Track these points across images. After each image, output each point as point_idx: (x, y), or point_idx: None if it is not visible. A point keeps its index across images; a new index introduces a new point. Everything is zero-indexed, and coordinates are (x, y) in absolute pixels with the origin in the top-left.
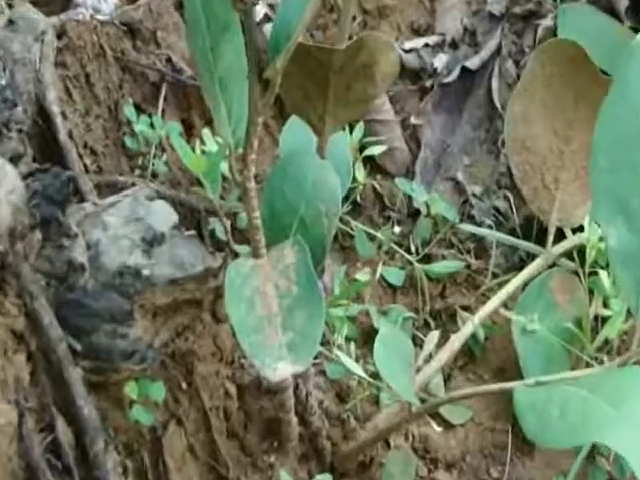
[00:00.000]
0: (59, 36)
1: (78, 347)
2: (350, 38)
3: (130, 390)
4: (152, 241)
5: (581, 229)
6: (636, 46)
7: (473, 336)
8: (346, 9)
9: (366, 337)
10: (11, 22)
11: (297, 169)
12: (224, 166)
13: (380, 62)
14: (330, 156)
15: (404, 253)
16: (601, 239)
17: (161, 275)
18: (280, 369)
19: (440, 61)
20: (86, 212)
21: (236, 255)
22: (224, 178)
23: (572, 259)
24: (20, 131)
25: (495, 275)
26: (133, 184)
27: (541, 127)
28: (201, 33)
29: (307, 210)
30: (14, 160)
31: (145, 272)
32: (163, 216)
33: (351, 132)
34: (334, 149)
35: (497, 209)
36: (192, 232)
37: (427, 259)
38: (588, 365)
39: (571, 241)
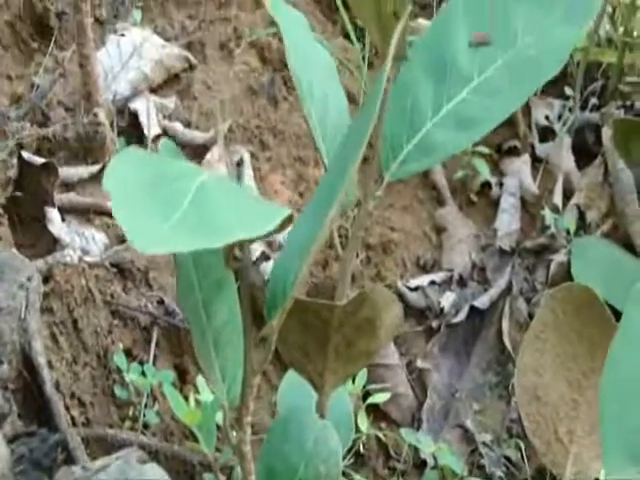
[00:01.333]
0: (46, 279)
1: None
2: (352, 277)
3: None
4: None
5: None
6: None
7: None
8: (348, 259)
9: None
10: None
11: (297, 429)
12: (219, 415)
13: (383, 317)
14: (331, 412)
15: None
16: None
17: None
18: None
19: (447, 300)
20: (75, 477)
21: None
22: (219, 427)
23: None
24: (5, 388)
25: None
26: (124, 441)
27: (553, 377)
28: (193, 290)
29: (307, 471)
30: None
31: None
32: None
33: (353, 379)
34: (335, 404)
35: (508, 459)
36: None
37: None
38: None
39: None
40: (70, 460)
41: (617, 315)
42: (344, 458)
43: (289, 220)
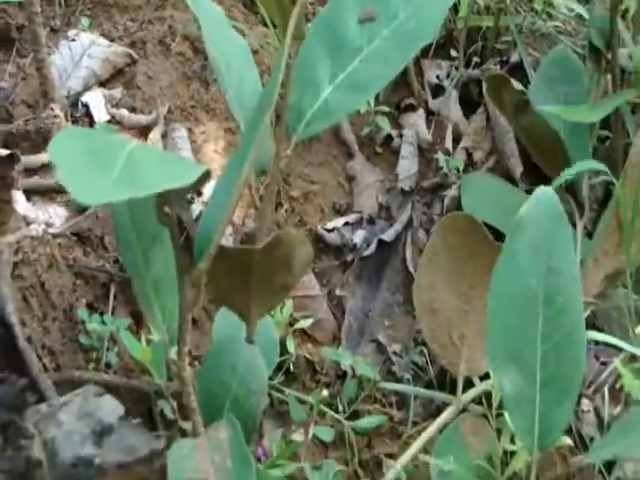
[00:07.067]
0: (16, 251)
1: None
2: (279, 225)
3: None
4: (102, 432)
5: (487, 376)
6: (519, 220)
7: None
8: (264, 209)
9: None
10: None
11: (230, 355)
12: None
13: (296, 255)
14: (258, 338)
15: (333, 413)
16: None
17: (111, 461)
18: None
19: (359, 237)
20: (42, 413)
21: (183, 431)
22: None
23: (481, 403)
24: None
25: (415, 423)
26: (88, 380)
27: (446, 292)
28: (131, 247)
29: (238, 389)
30: None
31: (97, 460)
32: (111, 409)
33: (281, 310)
34: (261, 332)
35: (415, 363)
36: (138, 420)
37: (354, 415)
38: None
39: (478, 388)
40: (43, 401)
41: (502, 236)
42: (275, 376)
43: (207, 175)
